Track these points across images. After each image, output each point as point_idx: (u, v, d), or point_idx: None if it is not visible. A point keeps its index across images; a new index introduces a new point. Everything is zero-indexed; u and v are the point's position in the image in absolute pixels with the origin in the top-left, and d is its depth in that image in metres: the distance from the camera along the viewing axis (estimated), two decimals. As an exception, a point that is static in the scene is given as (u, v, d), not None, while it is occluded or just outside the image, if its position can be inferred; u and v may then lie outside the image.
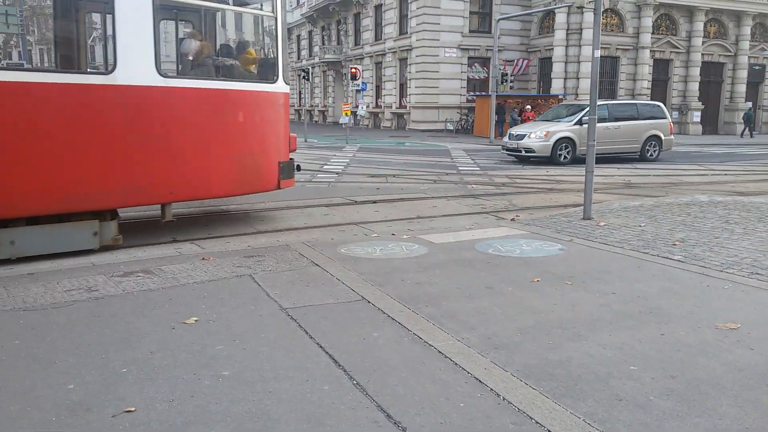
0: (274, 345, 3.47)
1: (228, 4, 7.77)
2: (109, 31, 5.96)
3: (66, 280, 4.72)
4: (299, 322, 3.83)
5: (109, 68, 5.96)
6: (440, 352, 3.36)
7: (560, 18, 30.96)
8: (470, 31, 33.48)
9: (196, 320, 3.83)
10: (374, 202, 9.63)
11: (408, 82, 34.55)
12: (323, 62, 44.64)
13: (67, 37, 7.09)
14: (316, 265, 5.23)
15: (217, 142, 6.53)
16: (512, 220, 7.85)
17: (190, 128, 6.36)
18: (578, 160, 16.18)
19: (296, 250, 5.75)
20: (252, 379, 3.03)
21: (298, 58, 51.28)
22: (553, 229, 6.95)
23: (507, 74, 27.82)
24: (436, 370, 3.13)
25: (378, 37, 38.03)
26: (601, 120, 16.41)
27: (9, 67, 6.30)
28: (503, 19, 29.43)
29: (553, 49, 31.66)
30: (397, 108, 36.05)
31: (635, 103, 19.56)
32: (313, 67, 44.39)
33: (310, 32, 48.76)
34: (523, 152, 17.10)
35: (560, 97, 30.29)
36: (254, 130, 6.91)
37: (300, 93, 51.16)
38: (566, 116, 17.95)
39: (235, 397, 2.83)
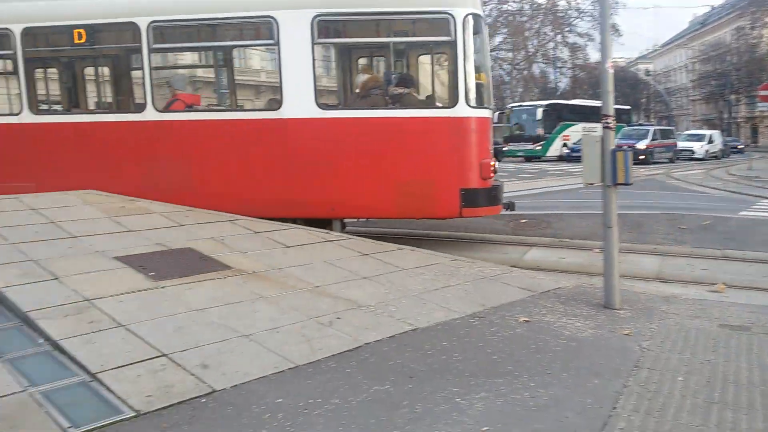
0: None
1: (395, 36, 8.05)
2: (277, 78, 7.23)
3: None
4: None
5: (276, 106, 7.29)
6: None
7: None
8: None
9: None
10: None
11: None
12: None
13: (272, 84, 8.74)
14: None
15: (376, 167, 7.10)
16: None
17: (347, 154, 7.11)
18: None
19: None
20: None
21: None
22: None
23: None
24: None
25: None
26: None
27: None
28: None
29: None
30: None
31: None
32: None
33: None
34: None
35: None
36: (420, 156, 7.10)
37: None
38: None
39: None
